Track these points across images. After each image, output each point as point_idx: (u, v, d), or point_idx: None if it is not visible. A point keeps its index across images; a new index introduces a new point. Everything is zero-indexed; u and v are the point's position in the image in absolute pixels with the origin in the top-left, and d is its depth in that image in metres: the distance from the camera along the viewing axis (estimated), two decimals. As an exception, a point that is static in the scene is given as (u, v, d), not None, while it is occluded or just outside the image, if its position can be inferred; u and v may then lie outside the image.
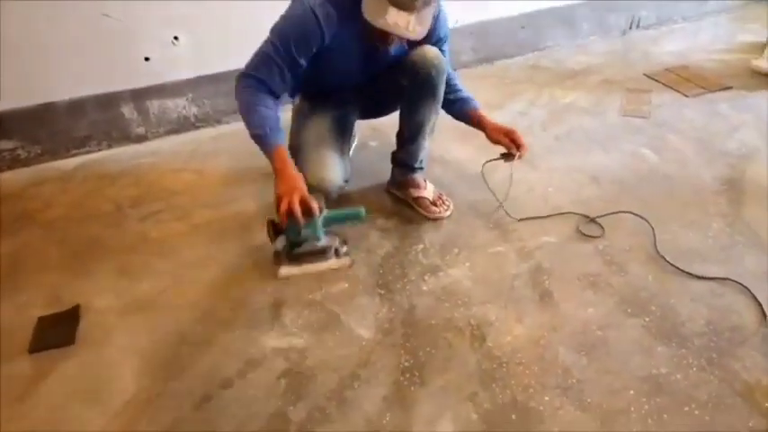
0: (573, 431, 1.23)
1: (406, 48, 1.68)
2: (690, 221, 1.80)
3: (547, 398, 1.30)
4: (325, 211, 1.59)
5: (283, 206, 1.45)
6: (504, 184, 1.90)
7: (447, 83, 1.76)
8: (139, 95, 2.32)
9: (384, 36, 1.51)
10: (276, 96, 1.58)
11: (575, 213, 1.85)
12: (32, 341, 1.51)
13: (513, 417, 1.27)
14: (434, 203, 1.88)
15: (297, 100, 1.93)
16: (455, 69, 1.95)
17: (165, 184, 2.13)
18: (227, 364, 1.42)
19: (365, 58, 1.68)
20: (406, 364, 1.40)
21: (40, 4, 2.00)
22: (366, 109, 1.95)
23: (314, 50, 1.56)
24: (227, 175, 2.17)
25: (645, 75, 2.75)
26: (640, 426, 1.23)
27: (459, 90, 1.85)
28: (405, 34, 1.45)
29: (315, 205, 1.50)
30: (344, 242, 1.71)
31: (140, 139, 2.40)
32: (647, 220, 1.78)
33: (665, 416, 1.25)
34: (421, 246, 1.76)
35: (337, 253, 1.68)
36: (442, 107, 1.81)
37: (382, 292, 1.61)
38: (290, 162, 1.53)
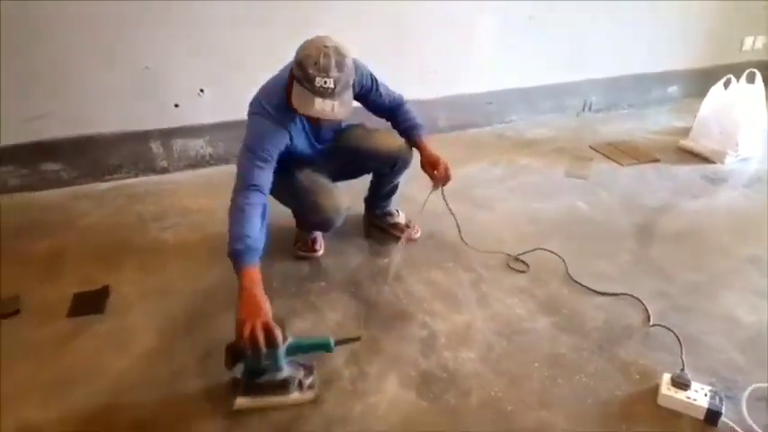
0: (486, 387, 1.61)
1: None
2: (604, 253, 2.23)
3: (470, 364, 1.69)
4: (291, 339, 1.50)
5: (246, 331, 1.38)
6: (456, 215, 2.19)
7: (397, 112, 2.05)
8: (166, 135, 2.81)
9: (315, 119, 1.75)
10: (264, 202, 1.68)
11: (504, 253, 2.21)
12: (70, 309, 1.90)
13: (444, 375, 1.65)
14: (408, 226, 2.24)
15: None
16: (405, 104, 2.10)
17: (183, 206, 2.56)
18: (226, 333, 1.75)
19: (315, 134, 1.94)
20: (366, 338, 1.78)
21: (96, 51, 2.52)
22: (339, 175, 2.12)
23: (283, 145, 1.77)
24: (233, 202, 2.60)
25: (590, 146, 3.27)
26: (539, 386, 1.62)
27: (407, 119, 2.05)
28: (331, 117, 1.64)
29: (279, 334, 1.42)
30: (311, 372, 1.58)
31: (163, 170, 2.86)
32: (559, 255, 2.17)
33: (559, 380, 1.64)
34: (386, 259, 2.18)
35: (301, 386, 1.54)
36: (393, 127, 2.09)
37: (353, 289, 2.01)
38: (260, 286, 1.49)
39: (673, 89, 4.05)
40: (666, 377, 1.57)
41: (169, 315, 1.87)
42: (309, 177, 1.96)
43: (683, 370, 1.60)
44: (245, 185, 1.66)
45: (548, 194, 2.71)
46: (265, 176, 1.70)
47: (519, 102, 3.61)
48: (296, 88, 1.63)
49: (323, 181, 1.98)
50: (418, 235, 2.28)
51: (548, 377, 1.65)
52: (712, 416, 1.48)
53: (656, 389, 1.57)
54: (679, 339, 1.75)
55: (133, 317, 1.87)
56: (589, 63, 3.66)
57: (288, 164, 1.97)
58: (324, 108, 1.60)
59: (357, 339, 1.67)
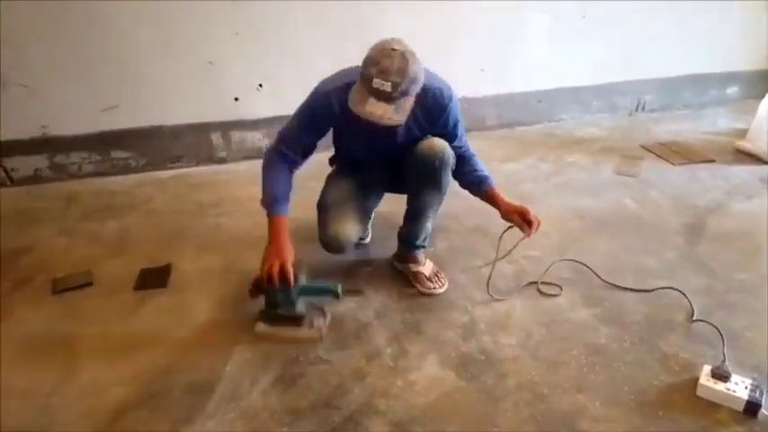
0: (524, 371, 1.65)
1: (418, 134, 1.83)
2: (650, 250, 2.23)
3: (509, 349, 1.74)
4: (302, 281, 1.74)
5: (264, 267, 1.67)
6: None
7: (465, 162, 1.91)
8: (226, 127, 2.97)
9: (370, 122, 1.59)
10: (294, 167, 1.82)
11: (536, 281, 2.26)
12: (136, 283, 2.06)
13: (482, 358, 1.70)
14: (430, 279, 2.00)
15: (331, 165, 2.15)
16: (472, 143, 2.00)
17: (238, 194, 2.70)
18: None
19: (372, 138, 1.77)
20: (409, 320, 1.86)
21: (164, 48, 2.70)
22: (391, 184, 2.07)
23: (330, 125, 1.82)
24: (286, 192, 2.73)
25: (641, 146, 3.24)
26: (576, 372, 1.65)
27: (477, 170, 1.93)
28: (381, 122, 1.55)
29: (290, 276, 1.66)
30: (323, 314, 1.82)
31: (221, 161, 3.03)
32: (585, 264, 2.12)
33: (597, 368, 1.66)
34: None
35: (311, 324, 1.78)
36: (461, 185, 1.97)
37: (397, 274, 2.09)
38: (285, 233, 1.72)
39: (733, 90, 3.94)
40: (706, 368, 1.58)
41: (224, 291, 2.00)
42: (337, 196, 1.96)
43: (723, 362, 1.60)
44: (278, 146, 1.81)
45: (595, 192, 2.72)
46: (298, 144, 1.80)
47: (569, 101, 3.60)
48: (356, 85, 1.60)
49: (347, 205, 1.94)
50: (443, 290, 2.00)
51: (585, 364, 1.68)
52: (752, 408, 1.47)
53: (696, 381, 1.57)
54: (721, 334, 1.74)
55: (192, 292, 2.01)
56: (644, 62, 3.62)
57: (344, 161, 2.08)
58: (375, 110, 1.54)
59: (360, 293, 1.95)
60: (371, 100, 1.54)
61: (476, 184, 1.94)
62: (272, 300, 1.74)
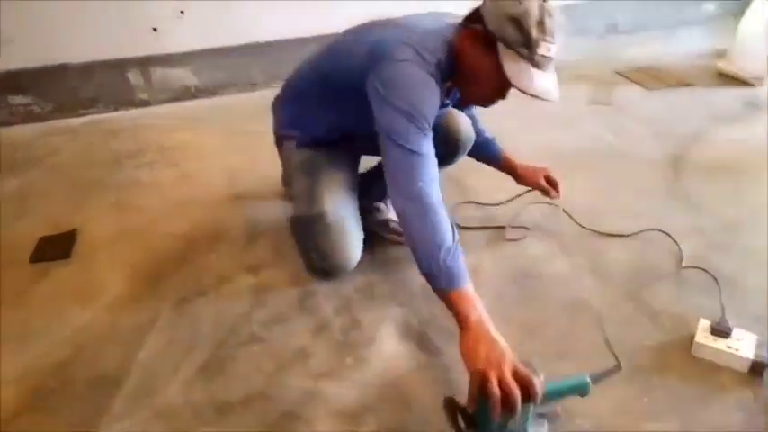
0: (496, 337, 1.41)
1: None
2: (630, 187, 1.99)
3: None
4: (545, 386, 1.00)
5: (493, 388, 0.94)
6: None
7: (475, 119, 1.72)
8: (144, 63, 2.56)
9: (488, 97, 1.38)
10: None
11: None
12: (33, 254, 1.72)
13: (447, 324, 1.45)
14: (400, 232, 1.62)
15: (290, 145, 1.63)
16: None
17: (161, 142, 2.35)
18: (204, 278, 1.61)
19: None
20: (361, 283, 1.59)
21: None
22: (370, 150, 1.50)
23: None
24: (217, 138, 2.39)
25: (615, 72, 2.97)
26: (555, 335, 1.41)
27: (483, 131, 1.74)
28: (548, 98, 1.26)
29: (538, 383, 0.96)
30: (557, 416, 1.16)
31: (143, 103, 2.63)
32: (558, 206, 1.85)
33: (579, 329, 1.43)
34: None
35: None
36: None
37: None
38: (485, 316, 1.10)
39: (708, 6, 3.66)
40: (703, 323, 1.36)
41: (142, 259, 1.69)
42: (339, 204, 1.50)
43: (722, 316, 1.38)
44: (419, 170, 1.21)
45: (568, 124, 2.45)
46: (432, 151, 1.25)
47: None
48: (508, 55, 1.20)
49: (348, 213, 1.53)
50: None
51: (566, 325, 1.44)
52: (758, 367, 1.27)
53: (691, 338, 1.35)
54: (717, 281, 1.52)
55: (102, 262, 1.69)
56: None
57: (331, 137, 1.58)
58: (547, 85, 1.23)
59: (617, 369, 1.21)
60: (536, 72, 1.21)
61: (487, 144, 1.74)
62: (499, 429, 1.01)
